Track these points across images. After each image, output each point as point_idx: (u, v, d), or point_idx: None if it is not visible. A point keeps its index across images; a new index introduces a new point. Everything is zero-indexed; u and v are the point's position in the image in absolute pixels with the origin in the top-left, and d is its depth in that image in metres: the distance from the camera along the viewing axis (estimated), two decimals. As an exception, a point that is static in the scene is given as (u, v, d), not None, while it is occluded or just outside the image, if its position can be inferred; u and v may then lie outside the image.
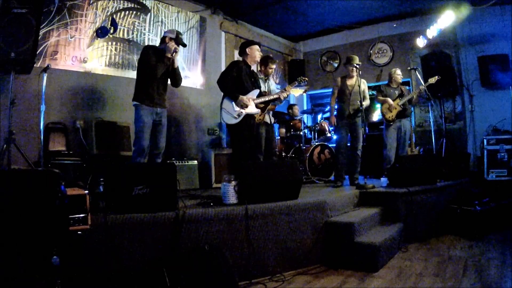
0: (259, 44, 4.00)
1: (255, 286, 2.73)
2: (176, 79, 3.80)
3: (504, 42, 6.00)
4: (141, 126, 3.55)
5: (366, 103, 4.66)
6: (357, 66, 4.59)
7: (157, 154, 3.72)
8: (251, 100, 3.79)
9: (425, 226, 3.98)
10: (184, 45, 3.74)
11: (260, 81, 4.52)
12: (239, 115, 3.73)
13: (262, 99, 3.93)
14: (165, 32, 3.81)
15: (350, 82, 4.74)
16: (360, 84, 4.53)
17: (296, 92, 4.48)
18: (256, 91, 3.88)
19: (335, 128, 4.82)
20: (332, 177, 5.64)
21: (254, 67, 4.59)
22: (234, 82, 3.79)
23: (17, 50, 3.31)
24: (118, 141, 4.40)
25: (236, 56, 6.89)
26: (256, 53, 3.95)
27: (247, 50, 3.94)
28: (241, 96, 3.73)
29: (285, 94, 4.18)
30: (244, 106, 3.71)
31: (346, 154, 4.77)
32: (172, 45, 3.59)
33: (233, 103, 3.75)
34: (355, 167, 4.69)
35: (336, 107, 4.92)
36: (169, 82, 3.87)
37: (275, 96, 4.08)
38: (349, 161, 4.78)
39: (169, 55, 3.60)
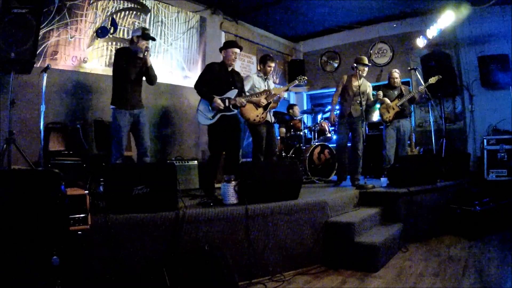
0: (239, 47, 3.92)
1: (255, 286, 2.73)
2: (151, 77, 3.77)
3: (504, 42, 5.99)
4: (116, 130, 3.56)
5: (369, 103, 4.69)
6: (368, 65, 4.64)
7: (143, 153, 3.72)
8: (227, 101, 3.73)
9: (425, 226, 3.98)
10: (153, 39, 3.71)
11: (260, 80, 4.53)
12: (213, 117, 3.71)
13: (238, 100, 3.81)
14: (131, 33, 3.78)
15: (355, 82, 4.67)
16: (366, 85, 4.60)
17: (278, 91, 4.41)
18: (234, 92, 3.80)
19: (336, 127, 4.79)
20: (333, 177, 5.65)
21: (257, 68, 4.59)
22: (210, 84, 3.75)
23: (17, 50, 3.31)
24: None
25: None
26: (231, 56, 3.84)
27: (222, 52, 3.89)
28: (215, 98, 3.68)
29: (262, 99, 4.22)
30: (217, 107, 3.66)
31: (346, 152, 4.77)
32: (142, 44, 3.57)
33: (208, 105, 3.72)
34: (356, 168, 4.66)
35: (337, 106, 4.91)
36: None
37: (255, 98, 3.99)
38: (350, 162, 4.77)
39: (141, 55, 3.58)
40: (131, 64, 3.55)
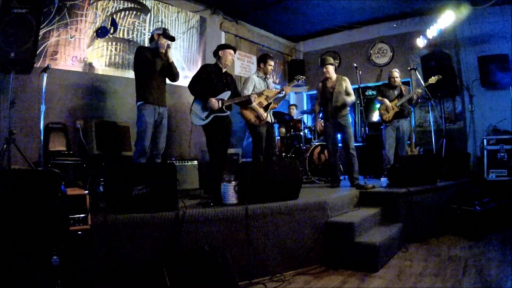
0: (234, 49, 4.02)
1: (255, 286, 2.73)
2: (173, 73, 3.83)
3: (504, 42, 6.00)
4: (143, 126, 3.55)
5: (351, 99, 4.69)
6: (332, 64, 4.74)
7: (156, 154, 3.72)
8: (220, 102, 3.76)
9: (425, 226, 3.98)
10: (173, 39, 3.77)
11: (260, 80, 4.53)
12: (206, 117, 3.74)
13: (231, 101, 3.85)
14: (152, 31, 3.87)
15: (330, 83, 4.76)
16: (341, 82, 4.65)
17: (271, 93, 4.38)
18: (228, 93, 3.85)
19: (324, 130, 4.82)
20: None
21: (257, 68, 4.59)
22: (204, 85, 3.79)
23: (17, 50, 3.31)
24: (118, 141, 4.40)
25: (236, 56, 6.91)
26: (228, 57, 3.93)
27: (219, 52, 3.95)
28: (210, 98, 3.72)
29: (254, 98, 4.13)
30: (213, 107, 3.70)
31: (337, 154, 4.79)
32: (163, 41, 3.64)
33: (201, 105, 3.76)
34: (352, 167, 4.65)
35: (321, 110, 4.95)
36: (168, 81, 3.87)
37: (245, 98, 4.02)
38: (345, 162, 4.78)
39: (163, 51, 3.64)
40: (155, 57, 3.61)
